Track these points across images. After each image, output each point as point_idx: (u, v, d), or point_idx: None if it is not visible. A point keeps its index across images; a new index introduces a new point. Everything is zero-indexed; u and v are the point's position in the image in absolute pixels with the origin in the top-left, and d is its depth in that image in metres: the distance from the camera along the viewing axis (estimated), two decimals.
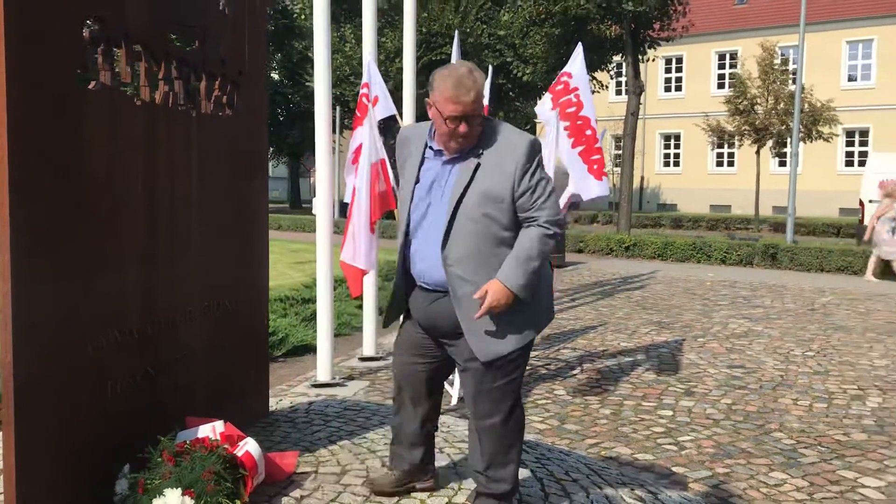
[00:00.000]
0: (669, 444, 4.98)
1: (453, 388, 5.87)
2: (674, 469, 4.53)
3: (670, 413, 5.64)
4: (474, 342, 2.82)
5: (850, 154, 35.80)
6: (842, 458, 4.77)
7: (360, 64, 26.23)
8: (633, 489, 3.71)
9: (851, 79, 35.72)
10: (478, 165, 2.81)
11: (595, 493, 3.48)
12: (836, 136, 28.55)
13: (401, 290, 3.05)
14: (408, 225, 2.93)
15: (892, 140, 34.24)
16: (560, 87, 6.13)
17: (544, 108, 6.14)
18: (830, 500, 4.12)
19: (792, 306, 10.65)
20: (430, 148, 2.93)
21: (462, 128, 2.75)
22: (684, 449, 4.88)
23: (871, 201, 18.42)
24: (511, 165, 2.78)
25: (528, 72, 22.47)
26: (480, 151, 2.83)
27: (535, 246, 2.77)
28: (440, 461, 3.57)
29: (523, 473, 3.54)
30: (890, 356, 7.54)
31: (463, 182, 2.80)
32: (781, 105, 26.64)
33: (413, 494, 3.16)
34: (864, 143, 35.41)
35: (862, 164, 35.31)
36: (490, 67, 8.08)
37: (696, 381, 6.54)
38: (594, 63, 21.95)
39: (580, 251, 18.25)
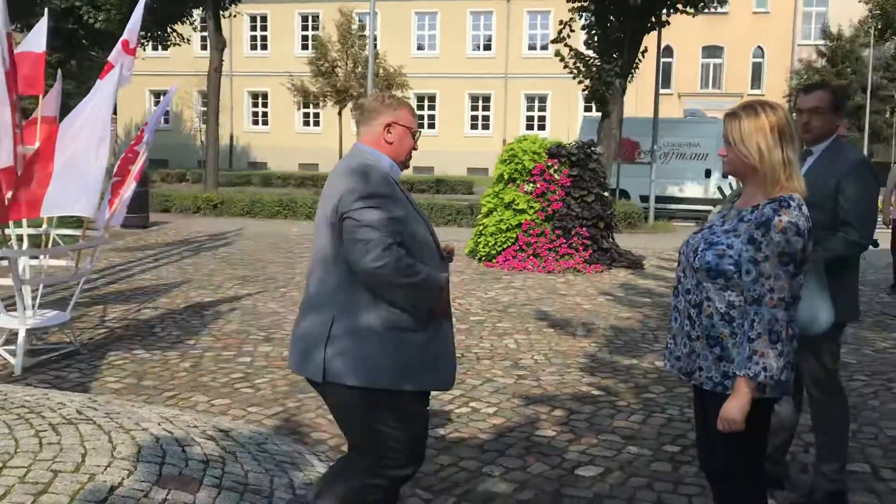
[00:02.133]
0: (246, 387, 5.23)
1: (16, 359, 5.46)
2: (249, 409, 4.79)
3: (249, 359, 5.89)
4: None
5: (419, 118, 39.40)
6: None
7: None
8: (204, 430, 3.88)
9: (420, 48, 39.23)
10: None
11: (165, 437, 3.58)
12: (408, 100, 31.23)
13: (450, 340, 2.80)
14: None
15: (456, 105, 38.52)
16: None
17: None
18: None
19: None
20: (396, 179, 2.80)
21: None
22: (260, 390, 5.17)
23: None
24: None
25: (100, 18, 20.89)
26: None
27: None
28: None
29: (87, 429, 3.51)
30: None
31: None
32: (359, 69, 28.33)
33: None
34: (432, 108, 39.31)
35: (431, 126, 39.22)
36: (46, 11, 7.43)
37: (276, 327, 6.90)
38: (174, 15, 21.19)
39: (167, 210, 17.70)
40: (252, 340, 6.45)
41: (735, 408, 2.41)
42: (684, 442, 4.40)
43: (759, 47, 37.46)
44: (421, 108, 39.19)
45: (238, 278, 9.35)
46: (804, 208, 2.44)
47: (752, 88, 37.52)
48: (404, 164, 2.88)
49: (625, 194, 18.87)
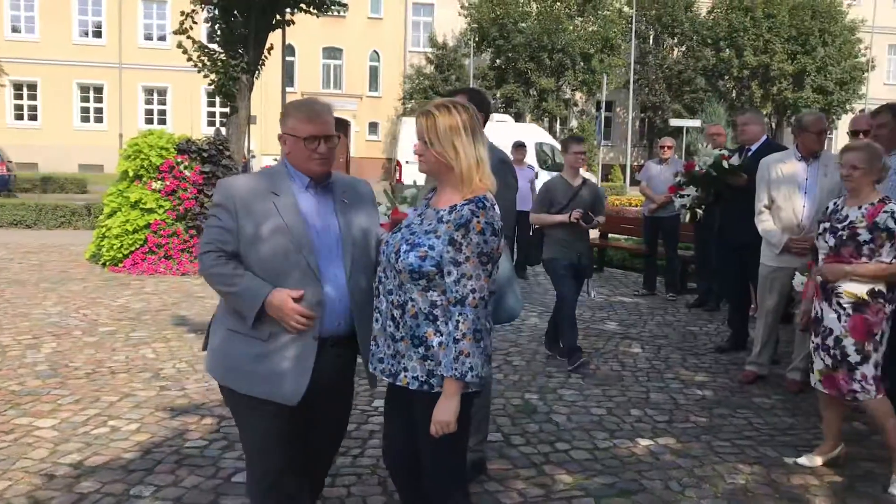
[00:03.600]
0: None
1: None
2: None
3: None
4: None
5: (19, 107, 35.27)
6: (17, 406, 4.79)
7: None
8: None
9: (16, 30, 35.05)
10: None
11: None
12: (4, 86, 27.70)
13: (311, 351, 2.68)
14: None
15: (62, 95, 35.05)
16: None
17: None
18: (6, 449, 4.12)
19: None
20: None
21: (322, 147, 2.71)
22: None
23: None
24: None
25: None
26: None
27: None
28: None
29: None
30: (63, 303, 7.83)
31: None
32: None
33: None
34: (33, 98, 35.35)
35: (33, 118, 35.22)
36: None
37: None
38: None
39: None
40: None
41: (448, 410, 2.44)
42: None
43: (375, 51, 39.59)
44: (20, 97, 35.03)
45: None
46: (496, 207, 2.53)
47: (370, 90, 39.53)
48: (313, 172, 2.74)
49: None
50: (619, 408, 5.13)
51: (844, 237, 3.93)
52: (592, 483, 3.93)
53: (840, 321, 3.94)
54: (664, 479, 3.99)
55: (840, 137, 34.15)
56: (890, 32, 42.82)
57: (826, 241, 4.02)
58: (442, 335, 2.47)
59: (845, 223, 3.97)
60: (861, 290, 3.89)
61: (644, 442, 4.51)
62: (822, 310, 4.04)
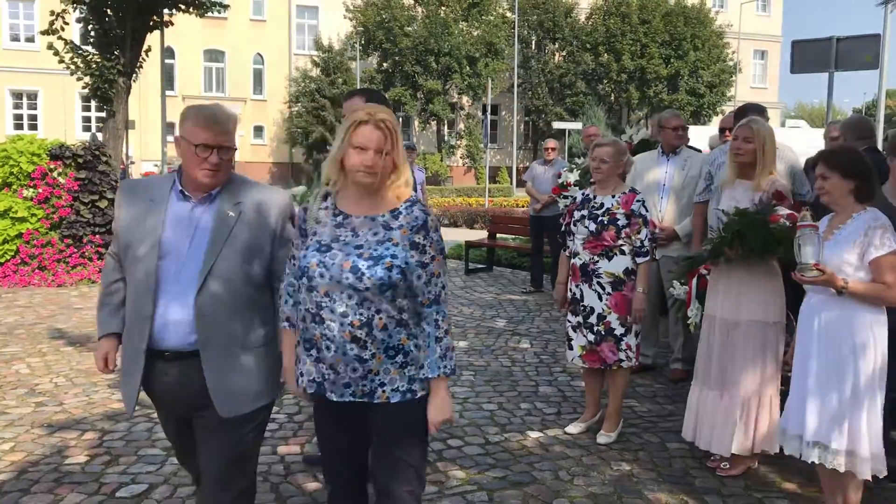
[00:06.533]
0: None
1: None
2: None
3: None
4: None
5: None
6: None
7: None
8: None
9: None
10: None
11: None
12: None
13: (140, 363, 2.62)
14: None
15: None
16: None
17: None
18: None
19: None
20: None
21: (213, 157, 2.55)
22: None
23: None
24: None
25: None
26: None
27: None
28: None
29: None
30: None
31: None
32: None
33: None
34: None
35: None
36: None
37: None
38: None
39: None
40: None
41: (445, 407, 2.44)
42: None
43: (259, 54, 38.86)
44: None
45: None
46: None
47: (254, 93, 38.79)
48: (199, 182, 2.59)
49: None
50: (509, 402, 5.24)
51: (605, 222, 4.39)
52: (485, 477, 4.00)
53: (601, 300, 4.40)
54: (554, 470, 4.10)
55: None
56: (754, 38, 45.35)
57: (586, 227, 4.43)
58: (417, 338, 2.44)
59: (603, 210, 4.43)
60: (618, 269, 4.38)
61: (534, 434, 4.63)
62: (581, 291, 4.47)
